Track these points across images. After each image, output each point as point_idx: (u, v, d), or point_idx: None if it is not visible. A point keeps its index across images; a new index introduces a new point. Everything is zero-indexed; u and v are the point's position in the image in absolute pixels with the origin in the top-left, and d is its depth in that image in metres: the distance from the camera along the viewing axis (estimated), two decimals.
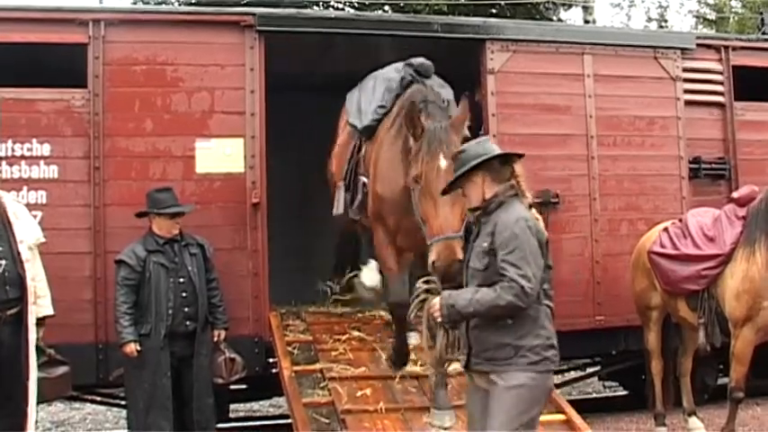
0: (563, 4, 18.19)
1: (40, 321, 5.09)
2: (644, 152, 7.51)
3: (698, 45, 7.85)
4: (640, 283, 6.64)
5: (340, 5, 16.67)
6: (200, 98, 6.63)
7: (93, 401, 7.74)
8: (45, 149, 6.39)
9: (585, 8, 18.65)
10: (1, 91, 6.32)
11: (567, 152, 7.31)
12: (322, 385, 5.61)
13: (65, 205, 6.36)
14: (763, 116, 8.00)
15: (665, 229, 6.49)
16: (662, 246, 6.38)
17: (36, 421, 4.98)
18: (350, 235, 6.97)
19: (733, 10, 21.22)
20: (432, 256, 4.41)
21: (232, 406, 7.85)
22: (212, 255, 6.12)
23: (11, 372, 4.81)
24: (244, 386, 7.27)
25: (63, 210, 6.34)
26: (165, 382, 5.72)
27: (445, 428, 4.99)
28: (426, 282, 4.15)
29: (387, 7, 16.13)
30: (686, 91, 7.68)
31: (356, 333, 6.43)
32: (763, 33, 8.63)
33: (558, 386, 7.09)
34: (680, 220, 6.52)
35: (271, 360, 6.64)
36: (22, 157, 6.35)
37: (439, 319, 3.79)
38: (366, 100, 6.06)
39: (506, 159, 3.85)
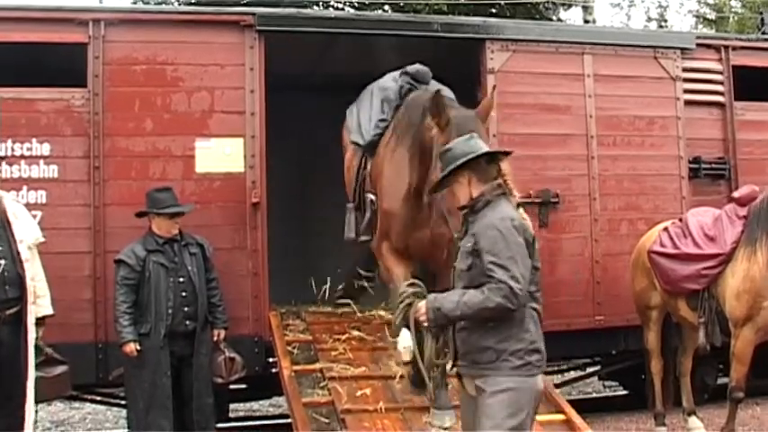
0: (563, 4, 18.19)
1: (40, 321, 5.10)
2: (644, 152, 7.51)
3: (698, 45, 7.85)
4: (640, 282, 6.64)
5: (340, 5, 16.68)
6: (200, 98, 6.63)
7: (92, 401, 7.74)
8: (45, 149, 6.39)
9: (585, 8, 18.65)
10: (1, 91, 6.32)
11: (567, 152, 7.31)
12: (322, 385, 5.61)
13: (64, 205, 6.36)
14: (763, 116, 8.01)
15: (665, 229, 6.49)
16: (662, 245, 6.38)
17: (36, 421, 4.99)
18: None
19: (733, 10, 21.23)
20: None
21: (232, 406, 7.85)
22: (212, 254, 6.12)
23: (10, 372, 4.82)
24: (243, 386, 7.27)
25: (63, 209, 6.34)
26: (164, 382, 5.72)
27: (445, 428, 4.97)
28: (412, 285, 4.08)
29: (387, 7, 16.13)
30: (686, 91, 7.68)
31: (356, 333, 6.42)
32: (763, 33, 8.63)
33: (558, 386, 7.10)
34: (680, 220, 6.52)
35: (270, 360, 6.64)
36: (22, 156, 6.35)
37: (425, 324, 3.71)
38: (365, 115, 6.00)
39: (493, 158, 3.76)
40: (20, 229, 5.04)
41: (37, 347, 5.01)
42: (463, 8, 15.52)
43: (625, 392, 8.84)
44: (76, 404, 9.96)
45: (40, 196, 6.33)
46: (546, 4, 17.18)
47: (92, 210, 6.39)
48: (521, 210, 3.72)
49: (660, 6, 22.49)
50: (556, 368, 9.03)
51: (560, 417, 5.41)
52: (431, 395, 4.86)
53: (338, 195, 6.65)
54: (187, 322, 5.84)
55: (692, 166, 7.67)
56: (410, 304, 3.94)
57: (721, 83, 7.89)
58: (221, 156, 6.60)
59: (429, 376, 4.44)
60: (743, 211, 6.00)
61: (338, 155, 6.58)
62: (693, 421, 6.47)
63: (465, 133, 4.29)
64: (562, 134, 7.31)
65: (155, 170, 6.50)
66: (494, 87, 4.95)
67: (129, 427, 5.98)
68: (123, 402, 6.53)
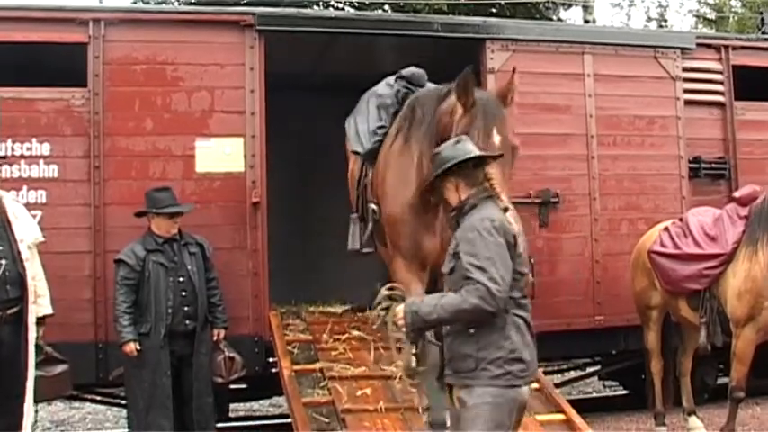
0: (563, 4, 18.19)
1: (40, 320, 5.10)
2: (644, 152, 7.51)
3: (698, 45, 7.85)
4: (640, 282, 6.64)
5: (340, 5, 16.66)
6: (200, 97, 6.64)
7: (92, 401, 7.73)
8: (45, 149, 6.39)
9: (585, 8, 18.64)
10: (1, 91, 6.32)
11: (567, 152, 7.31)
12: (322, 385, 5.61)
13: (64, 204, 6.36)
14: (763, 116, 8.01)
15: (666, 229, 6.49)
16: (662, 245, 6.38)
17: (36, 421, 4.99)
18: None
19: (733, 10, 21.24)
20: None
21: (232, 405, 7.85)
22: (212, 254, 6.12)
23: (11, 371, 4.82)
24: (243, 385, 7.27)
25: (63, 209, 6.35)
26: (164, 382, 5.72)
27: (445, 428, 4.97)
28: (390, 288, 4.00)
29: (387, 7, 16.12)
30: (686, 91, 7.69)
31: (356, 332, 6.42)
32: (763, 33, 8.63)
33: (558, 386, 7.10)
34: (680, 220, 6.52)
35: (270, 359, 6.64)
36: (22, 156, 6.35)
37: (403, 328, 3.60)
38: (363, 123, 5.95)
39: (480, 162, 3.67)
40: (20, 229, 5.04)
41: (37, 347, 5.01)
42: (463, 8, 15.50)
43: (625, 392, 8.84)
44: (76, 404, 9.96)
45: (40, 196, 6.33)
46: (546, 4, 17.17)
47: (92, 209, 6.39)
48: (509, 213, 3.62)
49: (660, 6, 22.52)
50: (556, 368, 9.04)
51: (560, 416, 5.41)
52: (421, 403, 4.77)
53: (338, 195, 6.65)
54: (187, 322, 5.84)
55: (692, 165, 7.67)
56: (387, 308, 3.84)
57: (721, 83, 7.89)
58: (221, 155, 6.60)
59: (410, 384, 4.33)
60: (744, 211, 6.00)
61: (338, 155, 6.57)
62: (693, 421, 6.47)
63: (490, 115, 4.25)
64: (562, 134, 7.31)
65: (155, 170, 6.50)
66: (514, 70, 4.73)
67: (129, 427, 5.98)
68: (123, 402, 6.53)
